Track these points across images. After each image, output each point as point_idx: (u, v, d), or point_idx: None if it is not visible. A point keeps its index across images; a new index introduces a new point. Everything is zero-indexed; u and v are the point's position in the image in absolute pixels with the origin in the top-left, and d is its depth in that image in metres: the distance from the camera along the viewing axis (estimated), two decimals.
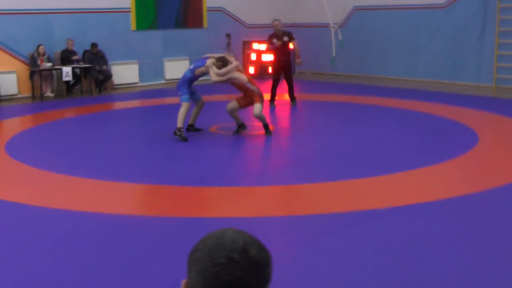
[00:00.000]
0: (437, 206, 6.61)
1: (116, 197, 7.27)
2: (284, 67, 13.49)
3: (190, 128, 10.62)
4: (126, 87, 17.34)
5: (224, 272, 1.54)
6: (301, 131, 11.34)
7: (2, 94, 15.31)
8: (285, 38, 13.39)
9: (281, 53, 13.42)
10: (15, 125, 12.58)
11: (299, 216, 6.42)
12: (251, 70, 19.02)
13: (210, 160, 8.96)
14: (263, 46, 18.89)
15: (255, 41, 19.02)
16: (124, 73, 17.38)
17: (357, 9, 18.75)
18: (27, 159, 8.97)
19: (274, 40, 13.38)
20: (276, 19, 13.87)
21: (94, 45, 16.16)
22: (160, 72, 18.22)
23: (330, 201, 6.94)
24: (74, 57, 15.75)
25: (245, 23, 19.65)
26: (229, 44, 18.91)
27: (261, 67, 18.94)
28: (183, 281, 1.63)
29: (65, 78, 15.45)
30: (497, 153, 9.13)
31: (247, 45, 19.14)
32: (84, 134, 11.24)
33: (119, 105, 15.01)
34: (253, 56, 18.98)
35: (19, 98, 15.70)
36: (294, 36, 13.58)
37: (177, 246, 5.50)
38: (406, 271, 5.04)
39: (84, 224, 6.24)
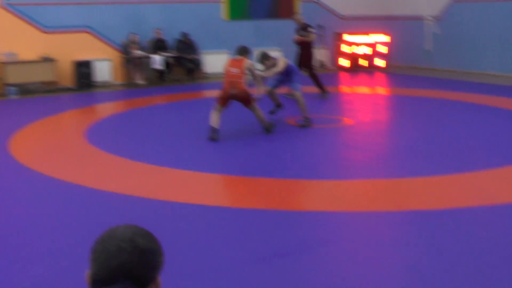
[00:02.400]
0: None
1: (206, 188, 7.19)
2: (303, 60, 13.37)
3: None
4: (217, 77, 17.43)
5: (113, 257, 1.82)
6: (387, 124, 11.02)
7: (98, 80, 15.76)
8: (304, 32, 13.43)
9: (301, 46, 13.47)
10: (101, 110, 12.91)
11: (406, 212, 6.19)
12: (343, 62, 18.71)
13: (297, 153, 8.83)
14: (355, 38, 18.56)
15: (347, 33, 18.68)
16: (215, 62, 17.47)
17: (457, 1, 18.05)
18: (118, 145, 9.17)
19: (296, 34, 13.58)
20: (297, 14, 14.24)
21: (184, 34, 16.37)
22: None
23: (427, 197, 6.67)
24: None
25: (339, 14, 19.34)
26: (321, 35, 18.66)
27: (353, 59, 18.60)
28: (86, 272, 1.88)
29: (155, 66, 15.70)
30: None
31: (338, 36, 18.83)
32: (169, 122, 11.33)
33: (208, 93, 15.11)
34: (346, 48, 18.65)
35: (113, 84, 16.12)
36: (309, 30, 13.44)
37: (270, 239, 5.42)
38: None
39: (172, 212, 6.23)
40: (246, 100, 9.64)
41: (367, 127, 10.57)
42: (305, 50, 13.38)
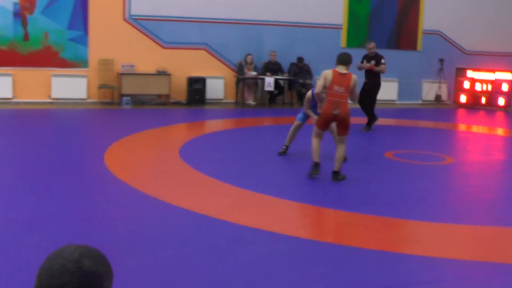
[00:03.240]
0: None
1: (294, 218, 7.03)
2: (365, 90, 12.82)
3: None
4: None
5: (55, 276, 1.79)
6: (489, 166, 10.36)
7: (209, 97, 15.98)
8: (372, 62, 12.86)
9: (367, 75, 12.97)
10: (205, 127, 13.01)
11: None
12: (463, 98, 17.97)
13: (385, 187, 8.43)
14: (479, 74, 17.78)
15: (471, 69, 17.92)
16: None
17: None
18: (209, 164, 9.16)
19: (364, 62, 13.03)
20: (372, 41, 13.34)
21: (300, 59, 16.31)
22: None
23: None
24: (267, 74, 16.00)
25: (463, 48, 18.62)
26: (441, 69, 18.03)
27: (474, 96, 17.81)
28: None
29: (266, 88, 15.73)
30: None
31: (461, 72, 18.10)
32: (269, 145, 11.23)
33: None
34: (466, 84, 17.90)
35: (224, 102, 16.30)
36: (383, 62, 12.84)
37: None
38: None
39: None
40: (345, 125, 8.23)
41: (468, 168, 9.97)
42: (367, 79, 12.94)
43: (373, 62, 12.86)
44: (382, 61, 12.86)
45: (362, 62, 13.08)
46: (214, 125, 13.40)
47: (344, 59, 8.24)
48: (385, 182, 8.59)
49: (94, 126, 12.97)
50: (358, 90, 8.66)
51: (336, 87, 8.05)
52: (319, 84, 8.28)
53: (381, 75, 13.18)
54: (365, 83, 12.92)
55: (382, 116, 15.61)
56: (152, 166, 8.94)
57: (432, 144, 11.95)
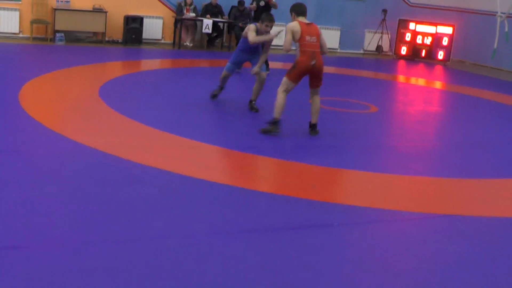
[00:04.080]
0: None
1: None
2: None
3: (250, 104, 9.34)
4: (271, 48, 17.03)
5: None
6: (409, 115, 10.39)
7: (147, 37, 15.66)
8: (261, 3, 12.45)
9: (255, 17, 12.42)
10: (136, 65, 12.74)
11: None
12: (403, 50, 17.99)
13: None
14: (421, 27, 17.77)
15: (414, 21, 17.89)
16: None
17: None
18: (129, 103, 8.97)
19: (254, 3, 12.66)
20: None
21: (240, 2, 16.01)
22: None
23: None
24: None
25: (409, 1, 18.54)
26: (384, 20, 17.96)
27: (414, 48, 17.85)
28: None
29: (204, 30, 15.47)
30: None
31: (403, 23, 18.05)
32: (199, 87, 11.06)
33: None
34: (408, 36, 17.89)
35: (162, 43, 16.00)
36: (273, 1, 12.43)
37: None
38: None
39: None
40: (321, 76, 7.95)
41: (387, 117, 9.99)
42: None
43: (262, 2, 12.43)
44: (273, 1, 12.40)
45: (251, 2, 12.73)
46: (143, 64, 13.14)
47: (304, 9, 7.96)
48: (301, 128, 8.56)
49: (18, 60, 12.57)
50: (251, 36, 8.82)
51: (308, 37, 7.67)
52: (287, 38, 7.67)
53: None
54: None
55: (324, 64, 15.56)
56: (66, 102, 8.72)
57: (363, 93, 11.94)
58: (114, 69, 12.17)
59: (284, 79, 7.90)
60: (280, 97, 7.88)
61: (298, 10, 7.93)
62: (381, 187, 6.39)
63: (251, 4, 12.76)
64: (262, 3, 12.44)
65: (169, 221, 4.86)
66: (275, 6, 12.46)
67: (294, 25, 7.77)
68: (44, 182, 5.45)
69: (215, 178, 6.01)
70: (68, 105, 8.55)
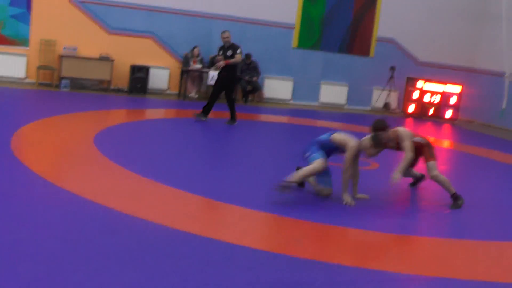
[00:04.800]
0: None
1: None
2: (223, 84, 12.30)
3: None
4: (276, 103, 17.02)
5: None
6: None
7: (152, 87, 15.64)
8: (229, 52, 12.20)
9: (223, 67, 12.23)
10: (132, 115, 12.64)
11: None
12: (411, 108, 17.86)
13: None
14: (429, 86, 17.66)
15: (422, 79, 17.79)
16: (277, 88, 17.08)
17: None
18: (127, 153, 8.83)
19: (220, 53, 12.36)
20: (223, 31, 12.56)
21: (248, 55, 16.03)
22: (315, 94, 17.66)
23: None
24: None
25: (416, 58, 18.49)
26: (392, 77, 17.88)
27: (422, 107, 17.71)
28: None
29: (210, 82, 15.42)
30: None
31: (411, 82, 17.96)
32: (198, 138, 10.93)
33: (257, 117, 14.64)
34: (415, 95, 17.77)
35: (167, 94, 15.98)
36: (238, 52, 12.23)
37: None
38: None
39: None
40: None
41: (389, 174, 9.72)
42: (225, 72, 12.22)
43: (229, 52, 12.22)
44: (238, 51, 12.25)
45: (218, 54, 12.43)
46: (146, 113, 13.06)
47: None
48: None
49: (19, 105, 12.54)
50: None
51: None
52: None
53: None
54: (220, 75, 12.40)
55: (329, 120, 15.47)
56: (58, 147, 8.59)
57: None
58: (115, 116, 12.08)
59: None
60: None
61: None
62: (374, 246, 6.14)
63: (218, 55, 12.39)
64: (229, 53, 12.18)
65: (140, 274, 4.63)
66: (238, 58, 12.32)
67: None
68: (15, 227, 5.25)
69: (197, 231, 5.78)
70: (60, 151, 8.41)
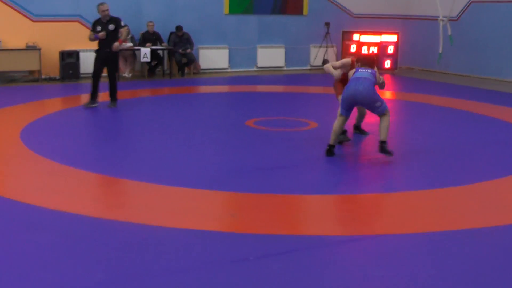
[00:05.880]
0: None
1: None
2: (107, 61, 11.28)
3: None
4: (214, 72, 16.75)
5: None
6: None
7: (84, 71, 15.18)
8: (111, 26, 11.13)
9: (105, 43, 11.20)
10: (65, 103, 12.27)
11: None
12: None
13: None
14: (365, 37, 17.56)
15: (358, 32, 17.68)
16: (213, 58, 16.79)
17: (474, 2, 16.90)
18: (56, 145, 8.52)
19: (98, 28, 11.14)
20: (101, 3, 11.23)
21: (178, 27, 15.68)
22: (253, 59, 17.42)
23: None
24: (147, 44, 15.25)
25: (351, 12, 18.35)
26: (328, 33, 17.74)
27: None
28: None
29: (143, 59, 15.07)
30: None
31: (347, 35, 17.83)
32: (134, 120, 10.62)
33: (195, 89, 14.37)
34: (353, 48, 17.67)
35: (101, 76, 15.52)
36: (123, 24, 11.35)
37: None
38: None
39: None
40: None
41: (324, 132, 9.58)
42: (108, 48, 11.20)
43: (111, 26, 11.17)
44: (122, 23, 11.35)
45: (93, 29, 11.26)
46: (80, 100, 12.65)
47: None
48: (227, 151, 8.18)
49: None
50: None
51: None
52: None
53: None
54: (101, 52, 11.36)
55: (269, 83, 15.29)
56: None
57: (305, 110, 11.61)
58: (45, 107, 11.68)
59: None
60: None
61: None
62: (309, 211, 6.02)
63: (100, 31, 11.19)
64: (111, 27, 11.18)
65: (71, 269, 4.41)
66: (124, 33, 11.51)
67: None
68: None
69: (120, 217, 5.57)
70: None
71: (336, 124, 7.96)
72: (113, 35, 11.24)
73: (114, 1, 15.47)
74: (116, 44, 11.24)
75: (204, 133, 9.38)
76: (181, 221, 5.54)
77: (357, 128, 9.40)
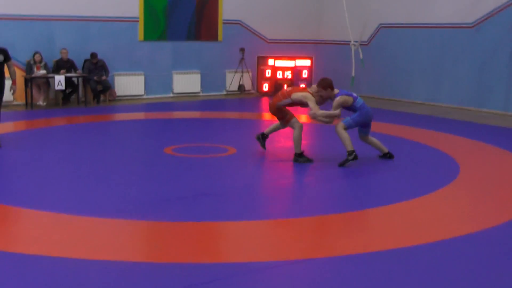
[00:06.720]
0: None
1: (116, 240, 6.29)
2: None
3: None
4: (130, 99, 16.65)
5: None
6: (268, 154, 10.19)
7: None
8: (0, 57, 10.33)
9: None
10: None
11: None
12: (265, 87, 18.04)
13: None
14: (280, 62, 17.89)
15: (272, 57, 17.99)
16: (129, 84, 16.70)
17: (383, 27, 17.53)
18: None
19: None
20: None
21: (93, 54, 15.52)
22: (169, 85, 17.43)
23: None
24: (62, 71, 14.97)
25: (265, 37, 18.66)
26: (242, 59, 17.97)
27: (276, 84, 17.92)
28: None
29: (57, 87, 14.82)
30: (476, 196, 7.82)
31: (262, 60, 18.12)
32: (48, 150, 10.41)
33: (111, 117, 14.22)
34: (268, 73, 17.96)
35: (14, 105, 15.18)
36: (10, 55, 10.50)
37: None
38: None
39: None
40: None
41: (247, 157, 9.70)
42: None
43: (0, 57, 10.33)
44: (10, 54, 10.48)
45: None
46: None
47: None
48: (147, 180, 8.16)
49: None
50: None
51: None
52: None
53: None
54: None
55: (186, 109, 15.30)
56: None
57: (222, 136, 11.67)
58: None
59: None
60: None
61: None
62: (233, 238, 6.07)
63: None
64: (0, 58, 10.31)
65: None
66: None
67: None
68: None
69: (39, 251, 5.46)
70: None
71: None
72: (1, 67, 10.37)
73: (26, 28, 15.26)
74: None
75: (123, 161, 9.32)
76: (101, 252, 5.47)
77: (264, 138, 9.86)
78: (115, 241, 5.81)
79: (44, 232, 6.05)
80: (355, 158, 9.03)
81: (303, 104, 9.20)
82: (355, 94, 9.31)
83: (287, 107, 9.44)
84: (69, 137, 11.50)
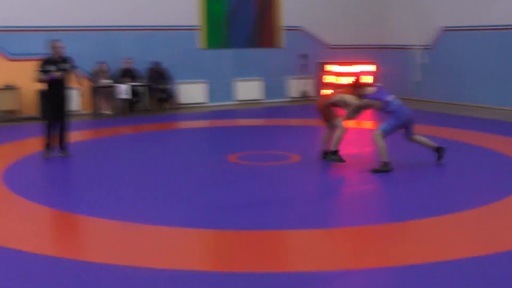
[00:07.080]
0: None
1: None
2: (59, 105, 10.25)
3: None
4: (193, 107, 16.80)
5: None
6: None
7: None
8: (67, 66, 10.19)
9: (59, 85, 10.22)
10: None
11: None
12: (326, 92, 17.92)
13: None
14: (339, 68, 17.78)
15: (333, 63, 17.89)
16: (192, 92, 16.86)
17: (446, 30, 17.20)
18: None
19: (52, 68, 10.06)
20: (57, 40, 10.27)
21: (156, 63, 15.76)
22: (231, 93, 17.53)
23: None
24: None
25: (326, 43, 18.56)
26: (305, 65, 17.93)
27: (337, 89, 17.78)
28: None
29: (120, 96, 15.08)
30: None
31: (324, 66, 18.02)
32: (117, 160, 10.57)
33: (176, 125, 14.41)
34: (329, 78, 17.87)
35: (81, 114, 15.52)
36: (75, 64, 10.42)
37: None
38: None
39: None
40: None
41: (309, 166, 9.60)
42: (62, 91, 10.28)
43: (67, 65, 10.25)
44: (74, 62, 10.45)
45: (43, 68, 10.12)
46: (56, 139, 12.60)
47: None
48: (212, 188, 8.20)
49: None
50: None
51: None
52: None
53: None
54: (53, 92, 10.29)
55: (249, 117, 15.36)
56: None
57: (285, 143, 11.65)
58: (26, 147, 11.61)
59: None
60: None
61: None
62: (298, 246, 6.03)
63: (49, 71, 10.12)
64: (67, 66, 10.28)
65: None
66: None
67: None
68: None
69: (106, 259, 5.54)
70: None
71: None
72: (67, 76, 10.30)
73: (92, 39, 15.61)
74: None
75: (188, 169, 9.39)
76: (166, 261, 5.51)
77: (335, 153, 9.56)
78: (183, 249, 5.85)
79: (112, 241, 6.14)
80: (389, 170, 8.83)
81: (345, 105, 9.27)
82: (390, 97, 9.14)
83: (332, 108, 9.53)
84: (135, 146, 11.68)
